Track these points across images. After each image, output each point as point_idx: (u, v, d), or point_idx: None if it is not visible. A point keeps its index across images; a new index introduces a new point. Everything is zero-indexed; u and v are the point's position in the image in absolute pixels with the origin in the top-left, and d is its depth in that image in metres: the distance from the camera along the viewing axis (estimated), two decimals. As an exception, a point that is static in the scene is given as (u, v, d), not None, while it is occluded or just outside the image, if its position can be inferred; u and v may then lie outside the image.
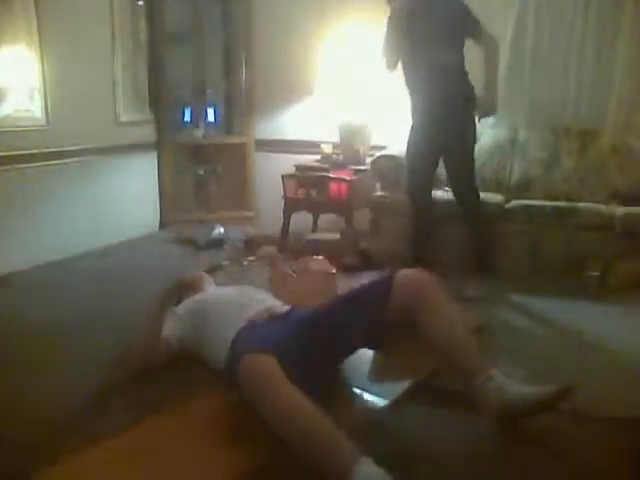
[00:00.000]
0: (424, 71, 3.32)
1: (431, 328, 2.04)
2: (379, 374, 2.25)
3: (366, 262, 3.88)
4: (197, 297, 2.50)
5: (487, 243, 3.48)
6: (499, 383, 1.94)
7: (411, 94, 3.43)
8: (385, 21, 3.45)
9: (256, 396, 1.69)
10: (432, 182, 3.55)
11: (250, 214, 5.14)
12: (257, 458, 1.71)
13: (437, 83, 3.28)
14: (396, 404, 2.11)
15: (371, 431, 1.88)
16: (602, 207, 3.56)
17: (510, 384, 1.94)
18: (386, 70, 3.49)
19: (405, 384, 2.21)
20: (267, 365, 1.73)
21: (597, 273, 3.35)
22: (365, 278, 3.57)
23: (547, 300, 3.21)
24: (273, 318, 2.19)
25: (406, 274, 2.12)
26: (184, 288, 2.59)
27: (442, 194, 3.70)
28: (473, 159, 3.44)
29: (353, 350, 2.18)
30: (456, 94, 3.30)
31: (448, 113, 3.30)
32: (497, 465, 1.81)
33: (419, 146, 3.45)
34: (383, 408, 2.09)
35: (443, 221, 3.60)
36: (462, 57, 3.34)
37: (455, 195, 3.50)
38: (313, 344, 1.98)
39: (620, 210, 3.47)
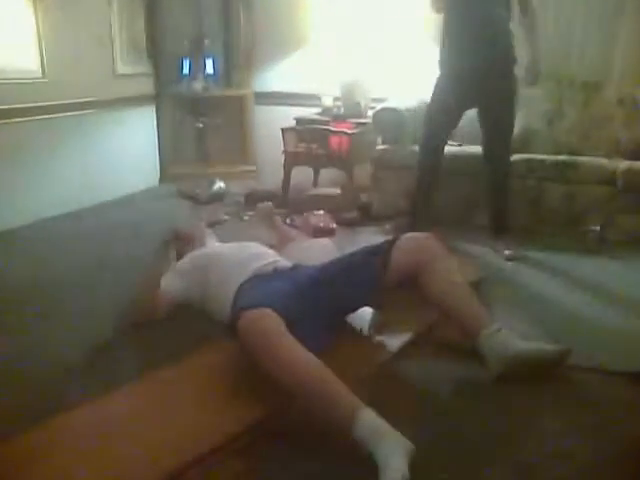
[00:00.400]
0: (471, 20, 3.15)
1: (433, 289, 2.06)
2: (379, 328, 2.27)
3: (366, 217, 3.89)
4: (200, 252, 2.49)
5: (506, 203, 3.35)
6: (502, 339, 1.96)
7: (445, 43, 3.24)
8: None
9: (257, 350, 1.71)
10: (446, 142, 3.41)
11: (251, 168, 5.10)
12: (259, 411, 1.73)
13: (484, 35, 3.12)
14: (397, 356, 2.14)
15: (373, 382, 1.91)
16: (604, 161, 3.54)
17: (513, 340, 1.97)
18: (431, 12, 3.34)
19: (405, 337, 2.24)
20: (267, 320, 1.74)
21: (597, 228, 3.36)
22: (365, 233, 3.61)
23: (547, 254, 3.22)
24: (277, 273, 2.21)
25: (407, 240, 2.13)
26: (182, 240, 2.59)
27: (449, 149, 3.59)
28: (513, 118, 3.27)
29: (354, 309, 2.19)
30: (501, 50, 3.15)
31: (491, 69, 3.14)
32: (499, 414, 1.85)
33: (446, 100, 3.25)
34: (384, 360, 2.12)
35: (448, 176, 3.54)
36: (509, 15, 3.19)
37: (486, 152, 3.32)
38: (314, 302, 1.99)
39: (623, 165, 3.45)
